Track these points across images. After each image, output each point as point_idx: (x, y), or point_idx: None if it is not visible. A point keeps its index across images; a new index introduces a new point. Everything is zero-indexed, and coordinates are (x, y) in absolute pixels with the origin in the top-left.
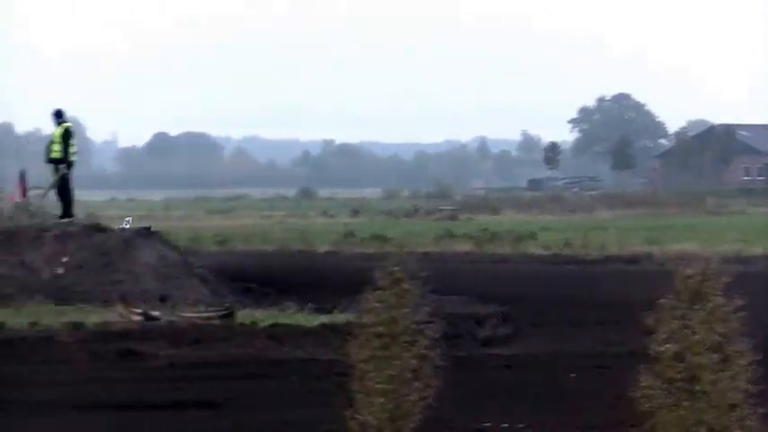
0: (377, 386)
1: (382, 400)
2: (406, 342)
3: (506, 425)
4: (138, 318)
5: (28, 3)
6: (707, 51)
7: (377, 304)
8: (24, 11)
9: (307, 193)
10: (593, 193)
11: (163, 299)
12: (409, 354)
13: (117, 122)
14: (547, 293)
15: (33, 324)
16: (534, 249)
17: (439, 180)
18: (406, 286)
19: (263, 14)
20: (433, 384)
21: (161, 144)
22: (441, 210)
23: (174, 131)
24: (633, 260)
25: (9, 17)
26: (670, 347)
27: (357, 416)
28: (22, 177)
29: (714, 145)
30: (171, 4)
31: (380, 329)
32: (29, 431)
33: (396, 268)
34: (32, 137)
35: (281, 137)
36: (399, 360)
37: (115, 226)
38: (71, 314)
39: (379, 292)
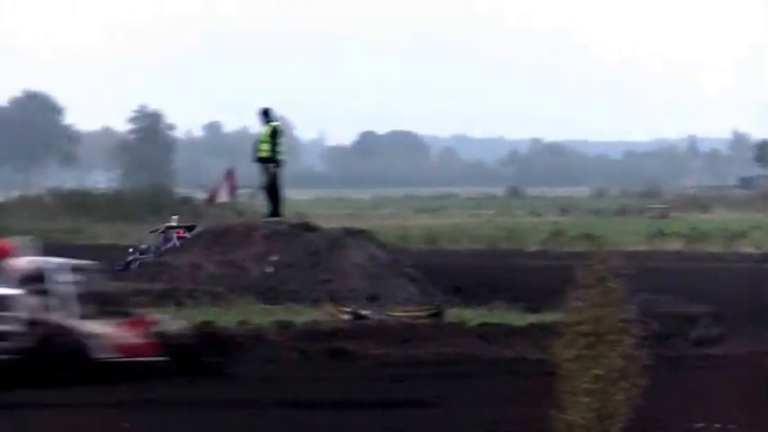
0: (583, 385)
1: (588, 399)
2: (611, 341)
3: (719, 425)
4: (347, 317)
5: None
6: None
7: (581, 303)
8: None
9: (515, 192)
10: None
11: (372, 298)
12: (615, 353)
13: (324, 121)
14: (759, 293)
15: (242, 323)
16: (745, 248)
17: (648, 179)
18: (610, 285)
19: (469, 13)
20: (641, 384)
21: (368, 143)
22: (650, 208)
23: (381, 130)
24: None
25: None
26: None
27: (564, 415)
28: (230, 176)
29: None
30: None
31: (586, 328)
32: (241, 429)
33: (600, 267)
34: (240, 135)
35: (488, 136)
36: (605, 359)
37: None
38: (280, 313)
39: (583, 290)
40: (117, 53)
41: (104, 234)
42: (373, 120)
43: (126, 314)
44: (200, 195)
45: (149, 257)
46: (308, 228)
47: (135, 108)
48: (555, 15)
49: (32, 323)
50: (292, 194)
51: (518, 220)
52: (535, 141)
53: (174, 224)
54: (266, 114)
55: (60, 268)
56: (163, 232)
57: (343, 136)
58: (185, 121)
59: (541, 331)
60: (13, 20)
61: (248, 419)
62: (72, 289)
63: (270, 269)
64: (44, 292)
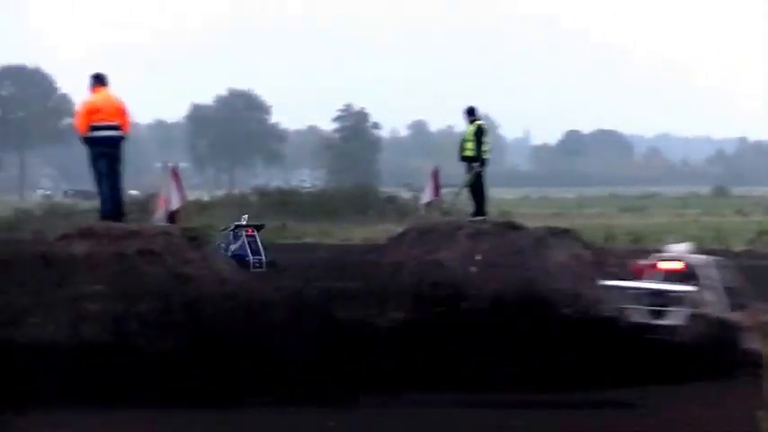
0: None
1: None
2: None
3: None
4: None
5: None
6: None
7: None
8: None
9: (721, 192)
10: None
11: (575, 297)
12: None
13: (529, 120)
14: None
15: None
16: None
17: None
18: None
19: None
20: None
21: (573, 142)
22: None
23: (586, 129)
24: None
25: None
26: None
27: None
28: (435, 175)
29: None
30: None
31: None
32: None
33: None
34: (445, 134)
35: (693, 134)
36: None
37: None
38: None
39: None
40: (323, 53)
41: (309, 232)
42: (578, 119)
43: (745, 306)
44: (405, 195)
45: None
46: (513, 227)
47: (340, 107)
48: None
49: (696, 317)
50: (498, 193)
51: (724, 219)
52: (742, 140)
53: (243, 223)
54: (471, 113)
55: (708, 264)
56: (233, 230)
57: (549, 135)
58: (391, 120)
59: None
60: (223, 20)
61: (463, 418)
62: (719, 283)
63: (474, 268)
64: (698, 287)
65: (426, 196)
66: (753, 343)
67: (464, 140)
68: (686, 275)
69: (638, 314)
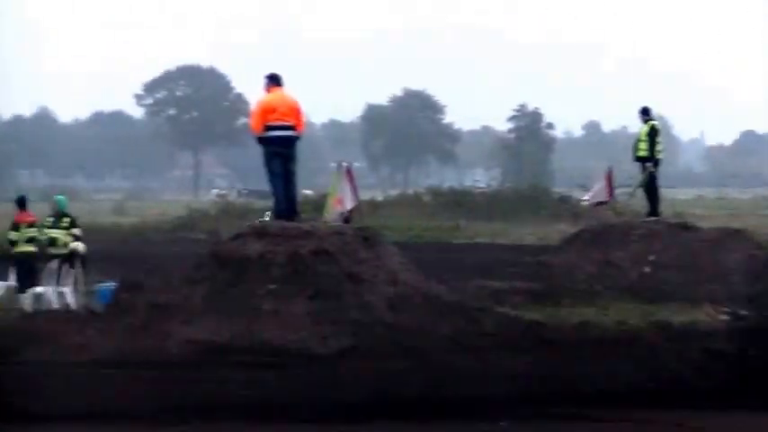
0: None
1: None
2: None
3: None
4: (725, 318)
5: None
6: None
7: None
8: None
9: None
10: None
11: (751, 299)
12: None
13: (704, 120)
14: None
15: (620, 323)
16: None
17: None
18: None
19: None
20: None
21: (749, 142)
22: None
23: (762, 129)
24: None
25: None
26: None
27: None
28: (609, 176)
29: None
30: None
31: None
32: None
33: None
34: (618, 135)
35: None
36: None
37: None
38: (658, 313)
39: None
40: (496, 53)
41: (482, 232)
42: (755, 119)
43: None
44: (579, 195)
45: None
46: (686, 227)
47: (515, 107)
48: None
49: None
50: (672, 194)
51: None
52: None
53: (267, 219)
54: (645, 113)
55: None
56: None
57: (724, 136)
58: (565, 121)
59: None
60: (395, 20)
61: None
62: None
63: (647, 269)
64: None
65: (590, 195)
66: None
67: (638, 140)
68: None
69: None
